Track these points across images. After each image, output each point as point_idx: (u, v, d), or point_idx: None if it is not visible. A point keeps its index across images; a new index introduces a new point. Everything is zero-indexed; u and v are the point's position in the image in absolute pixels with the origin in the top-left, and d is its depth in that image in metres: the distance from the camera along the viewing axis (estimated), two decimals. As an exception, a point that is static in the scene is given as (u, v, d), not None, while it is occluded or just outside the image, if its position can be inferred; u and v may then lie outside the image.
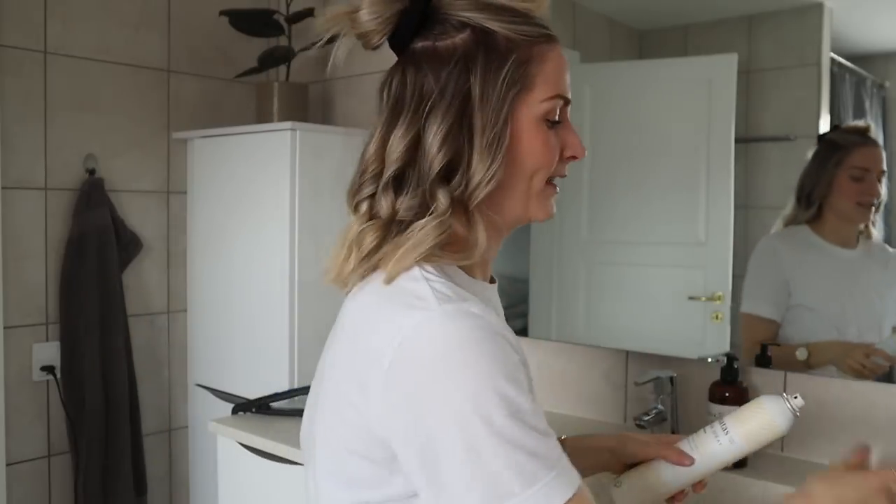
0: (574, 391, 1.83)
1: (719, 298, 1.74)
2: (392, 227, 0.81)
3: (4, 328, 1.99)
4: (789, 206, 1.61)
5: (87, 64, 2.14)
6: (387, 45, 0.85)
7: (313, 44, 0.88)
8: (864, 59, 1.60)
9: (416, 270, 0.78)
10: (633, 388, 1.70)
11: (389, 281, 0.79)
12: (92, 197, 2.10)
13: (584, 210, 1.93)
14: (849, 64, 1.59)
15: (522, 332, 1.98)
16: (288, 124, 2.00)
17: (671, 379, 1.60)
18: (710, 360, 1.64)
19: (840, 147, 1.56)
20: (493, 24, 0.81)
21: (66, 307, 2.08)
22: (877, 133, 1.57)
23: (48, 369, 2.06)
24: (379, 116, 0.84)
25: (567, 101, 0.85)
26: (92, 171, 2.13)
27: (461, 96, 0.79)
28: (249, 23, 2.27)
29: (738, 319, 1.71)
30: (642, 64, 1.90)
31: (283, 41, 2.29)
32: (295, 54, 2.21)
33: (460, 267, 0.84)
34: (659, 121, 1.87)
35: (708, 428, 0.97)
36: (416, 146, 0.80)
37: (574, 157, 0.87)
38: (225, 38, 2.36)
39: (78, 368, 2.08)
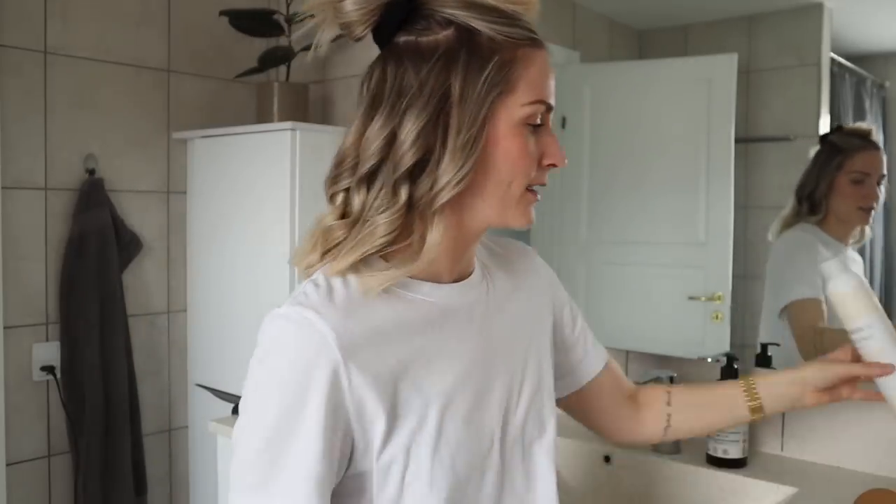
0: (574, 391, 1.83)
1: (719, 298, 1.74)
2: (358, 226, 0.81)
3: (4, 328, 1.99)
4: (789, 206, 1.62)
5: (87, 64, 2.14)
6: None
7: (280, 32, 0.87)
8: (864, 59, 1.60)
9: (319, 273, 0.82)
10: (633, 388, 1.70)
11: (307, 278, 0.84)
12: (92, 197, 2.10)
13: (584, 210, 1.93)
14: (849, 64, 1.59)
15: (522, 332, 1.98)
16: (288, 124, 2.00)
17: (671, 379, 1.60)
18: (710, 359, 1.64)
19: (841, 150, 1.57)
20: (477, 24, 0.79)
21: (66, 307, 2.08)
22: (877, 134, 1.57)
23: (48, 369, 2.06)
24: (357, 109, 0.83)
25: (549, 108, 0.84)
26: (92, 171, 2.13)
27: (440, 94, 0.78)
28: (250, 23, 2.27)
29: (738, 319, 1.71)
30: (642, 64, 1.90)
31: (283, 41, 2.30)
32: (295, 54, 2.21)
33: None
34: (659, 121, 1.87)
35: (856, 338, 1.02)
36: (391, 142, 0.79)
37: (553, 165, 0.84)
38: (225, 38, 2.36)
39: (78, 368, 2.08)
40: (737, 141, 1.71)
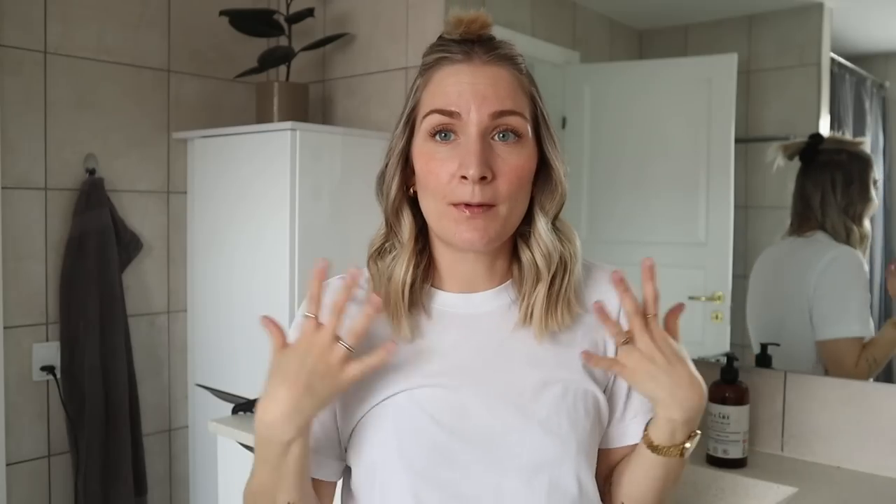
0: (574, 391, 1.82)
1: (719, 298, 1.74)
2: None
3: (4, 328, 1.99)
4: (816, 214, 1.56)
5: (87, 64, 2.14)
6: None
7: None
8: (864, 59, 1.60)
9: None
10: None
11: None
12: (92, 197, 2.10)
13: (584, 210, 1.93)
14: (849, 64, 1.59)
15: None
16: (288, 124, 2.00)
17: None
18: (710, 359, 1.64)
19: (868, 160, 1.53)
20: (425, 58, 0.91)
21: (66, 307, 2.08)
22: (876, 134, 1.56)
23: (48, 369, 2.06)
24: None
25: (448, 113, 0.84)
26: (92, 171, 2.13)
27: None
28: (250, 23, 2.27)
29: (738, 319, 1.71)
30: (642, 64, 1.90)
31: (283, 41, 2.29)
32: (295, 54, 2.21)
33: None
34: (659, 121, 1.87)
35: None
36: None
37: (463, 178, 0.83)
38: (225, 38, 2.36)
39: (78, 368, 2.08)
40: (737, 141, 1.71)
